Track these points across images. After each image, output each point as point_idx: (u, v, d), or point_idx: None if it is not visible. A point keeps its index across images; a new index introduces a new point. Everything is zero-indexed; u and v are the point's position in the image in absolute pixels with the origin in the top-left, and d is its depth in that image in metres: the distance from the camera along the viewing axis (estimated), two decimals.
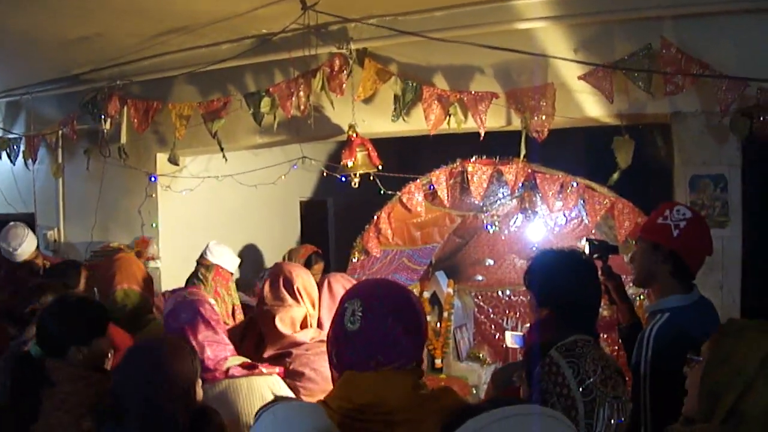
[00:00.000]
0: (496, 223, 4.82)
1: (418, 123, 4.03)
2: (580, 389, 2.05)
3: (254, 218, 5.99)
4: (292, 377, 2.94)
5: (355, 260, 4.63)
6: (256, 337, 3.14)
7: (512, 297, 5.30)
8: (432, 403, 1.87)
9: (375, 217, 4.50)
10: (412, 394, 1.88)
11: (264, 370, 2.81)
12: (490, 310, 5.39)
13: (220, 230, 5.50)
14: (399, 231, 4.58)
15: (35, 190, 5.89)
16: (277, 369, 2.84)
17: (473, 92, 3.83)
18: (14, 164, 5.82)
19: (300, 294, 3.04)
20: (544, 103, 3.63)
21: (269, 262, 5.81)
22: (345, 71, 4.11)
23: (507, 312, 5.53)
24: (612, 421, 2.03)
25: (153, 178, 5.08)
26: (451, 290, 5.57)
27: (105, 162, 5.26)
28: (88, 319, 2.77)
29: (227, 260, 4.06)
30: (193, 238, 5.22)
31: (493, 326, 5.62)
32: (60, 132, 5.45)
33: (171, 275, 5.10)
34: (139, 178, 5.15)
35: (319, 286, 3.26)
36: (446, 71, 4.00)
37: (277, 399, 1.88)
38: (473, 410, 1.30)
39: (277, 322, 3.00)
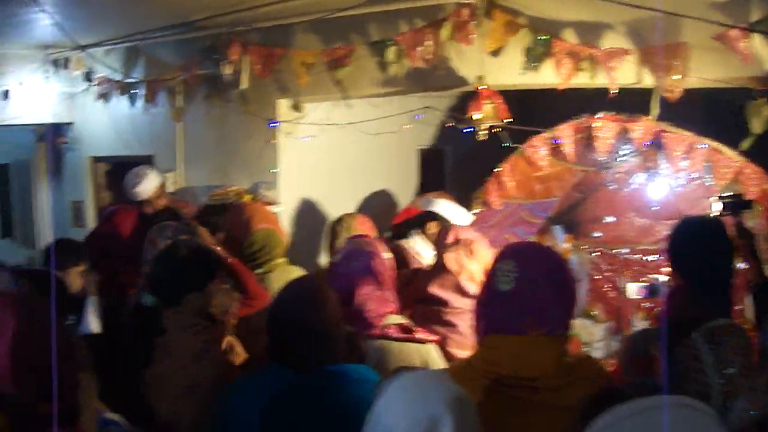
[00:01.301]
0: (618, 180, 5.15)
1: (547, 76, 4.43)
2: (719, 379, 2.06)
3: (374, 166, 6.60)
4: (445, 326, 3.45)
5: (475, 212, 5.16)
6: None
7: (629, 255, 5.55)
8: (575, 371, 2.07)
9: (497, 170, 4.99)
10: (558, 362, 2.06)
11: (420, 336, 3.10)
12: (606, 268, 5.66)
13: (339, 177, 6.15)
14: (520, 184, 5.06)
15: (154, 134, 6.64)
16: (434, 337, 3.19)
17: (605, 48, 4.21)
18: (134, 108, 6.58)
19: (475, 252, 3.57)
20: (677, 63, 3.98)
21: (389, 210, 6.36)
22: (473, 22, 4.53)
23: (622, 270, 5.80)
24: (747, 413, 2.04)
25: (274, 124, 5.70)
26: (568, 246, 5.98)
27: (225, 107, 5.93)
28: (199, 265, 3.10)
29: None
30: (313, 185, 5.87)
31: (607, 284, 5.95)
32: (180, 77, 6.12)
33: (290, 220, 5.81)
34: (259, 124, 5.79)
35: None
36: (576, 26, 4.37)
37: (401, 369, 2.08)
38: (615, 397, 1.44)
39: (448, 259, 3.52)
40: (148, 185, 5.29)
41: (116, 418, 2.46)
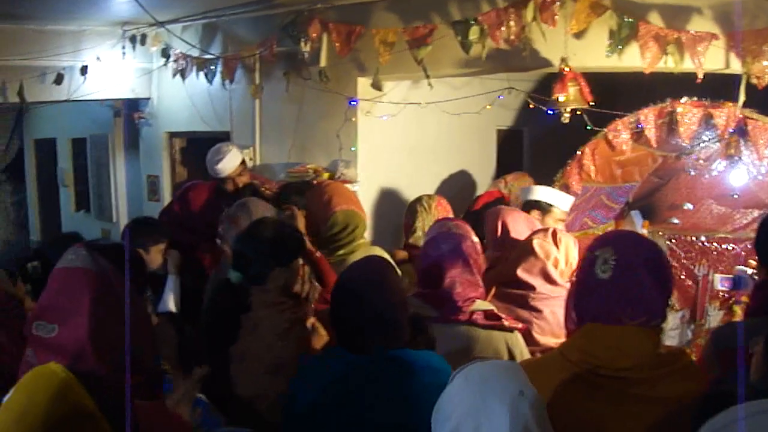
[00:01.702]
0: (698, 166, 5.23)
1: (632, 60, 4.52)
2: None
3: (453, 146, 6.81)
4: (530, 310, 3.60)
5: None
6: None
7: (706, 243, 5.58)
8: (669, 364, 2.10)
9: (578, 153, 5.13)
10: (653, 353, 2.10)
11: (506, 323, 3.18)
12: (683, 255, 5.69)
13: (418, 157, 6.37)
14: (601, 168, 5.19)
15: (231, 110, 6.92)
16: (520, 325, 3.28)
17: (692, 32, 4.29)
18: (211, 84, 6.85)
19: (559, 242, 3.74)
20: (766, 48, 4.05)
21: (466, 190, 6.55)
22: (557, 2, 4.63)
23: (699, 258, 5.84)
24: None
25: (353, 102, 5.91)
26: (645, 231, 6.05)
27: (304, 84, 6.16)
28: (285, 242, 3.27)
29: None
30: (391, 164, 6.07)
31: (683, 272, 6.01)
32: (258, 54, 6.37)
33: (368, 198, 6.01)
34: (339, 102, 6.00)
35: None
36: (662, 9, 4.44)
37: (475, 360, 2.02)
38: (727, 397, 1.47)
39: (536, 245, 3.68)
40: (230, 162, 5.41)
41: (202, 397, 2.69)
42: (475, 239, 3.39)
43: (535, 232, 3.88)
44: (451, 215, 4.58)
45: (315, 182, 5.41)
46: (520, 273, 3.70)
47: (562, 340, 3.59)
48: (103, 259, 2.17)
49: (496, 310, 3.27)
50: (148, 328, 2.36)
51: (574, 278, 2.39)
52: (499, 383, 1.74)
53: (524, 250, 3.77)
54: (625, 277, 2.12)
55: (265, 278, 3.18)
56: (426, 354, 2.59)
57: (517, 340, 3.24)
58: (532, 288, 3.67)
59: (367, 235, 5.65)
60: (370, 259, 2.81)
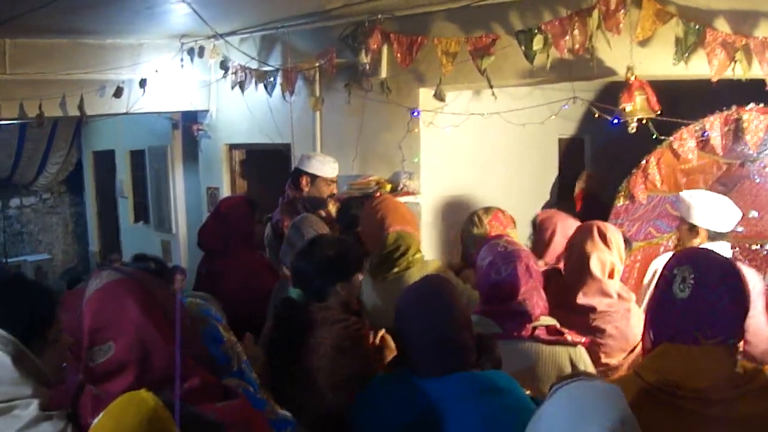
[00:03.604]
0: (763, 174, 5.19)
1: (699, 67, 4.52)
2: None
3: (515, 156, 6.88)
4: (593, 333, 3.60)
5: (619, 204, 5.36)
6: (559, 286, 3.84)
7: None
8: (747, 383, 2.12)
9: (644, 162, 5.16)
10: (731, 372, 2.13)
11: (569, 338, 3.23)
12: (747, 263, 5.66)
13: (481, 167, 6.47)
14: (666, 177, 5.21)
15: (292, 122, 7.07)
16: (583, 339, 3.33)
17: (760, 37, 4.27)
18: (270, 96, 7.02)
19: (610, 243, 3.75)
20: None
21: (528, 201, 6.60)
22: (622, 10, 4.66)
23: (764, 266, 5.79)
24: None
25: (415, 113, 6.01)
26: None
27: (364, 96, 6.30)
28: (344, 258, 3.36)
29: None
30: (454, 174, 6.16)
31: None
32: (317, 65, 6.51)
33: (431, 210, 6.12)
34: (400, 113, 6.11)
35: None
36: (728, 15, 4.42)
37: (577, 375, 2.17)
38: None
39: (592, 263, 3.69)
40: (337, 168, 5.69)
41: (290, 417, 2.80)
42: (528, 250, 3.51)
43: (581, 235, 3.88)
44: (510, 228, 4.61)
45: (376, 196, 5.52)
46: (579, 300, 3.73)
47: (630, 353, 3.67)
48: (133, 269, 2.31)
49: (558, 325, 3.32)
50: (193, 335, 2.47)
51: (647, 295, 2.43)
52: (599, 408, 1.78)
53: (579, 268, 3.78)
54: (704, 297, 2.15)
55: (327, 295, 3.29)
56: (493, 374, 2.63)
57: (581, 355, 3.29)
58: (593, 309, 3.70)
59: (429, 246, 5.76)
60: (430, 279, 2.88)
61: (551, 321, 3.33)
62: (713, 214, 4.49)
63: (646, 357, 2.34)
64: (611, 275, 3.76)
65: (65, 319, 2.48)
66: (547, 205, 7.22)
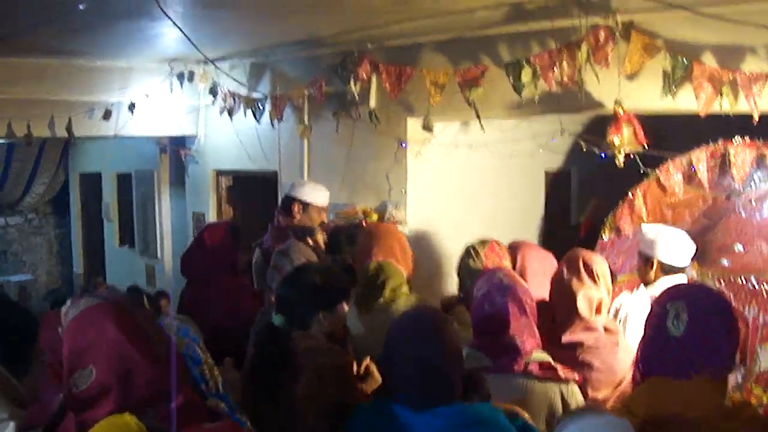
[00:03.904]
0: (749, 207, 5.18)
1: (687, 101, 4.53)
2: None
3: (501, 188, 6.86)
4: (581, 368, 3.56)
5: (605, 238, 5.36)
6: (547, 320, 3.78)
7: (756, 285, 5.55)
8: (735, 416, 2.16)
9: (630, 195, 5.17)
10: (720, 406, 2.17)
11: (562, 374, 3.24)
12: (732, 296, 5.67)
13: (467, 198, 6.46)
14: (652, 210, 5.22)
15: (280, 150, 7.07)
16: (576, 376, 3.34)
17: (747, 72, 4.28)
18: (259, 123, 7.05)
19: (599, 278, 3.72)
20: None
21: (514, 233, 6.60)
22: (610, 43, 4.66)
23: (749, 300, 5.81)
24: None
25: (403, 144, 6.02)
26: (694, 273, 6.03)
27: (352, 125, 6.30)
28: (330, 284, 3.36)
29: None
30: (441, 205, 6.16)
31: None
32: (306, 94, 6.51)
33: (417, 240, 6.07)
34: (388, 143, 6.12)
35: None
36: (715, 49, 4.45)
37: (583, 410, 2.28)
38: None
39: (579, 302, 3.66)
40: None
41: None
42: (526, 286, 3.49)
43: (568, 271, 3.83)
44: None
45: (363, 224, 5.52)
46: (566, 338, 3.70)
47: (618, 386, 3.65)
48: (111, 294, 2.30)
49: (552, 361, 3.31)
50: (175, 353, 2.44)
51: (641, 333, 2.41)
52: None
53: (568, 309, 3.73)
54: (699, 333, 2.18)
55: (309, 322, 3.27)
56: (477, 407, 2.60)
57: (574, 392, 3.29)
58: (580, 344, 3.68)
59: (417, 277, 5.73)
60: (424, 309, 2.92)
61: (545, 356, 3.32)
62: (670, 248, 4.58)
63: (636, 390, 2.35)
64: (598, 310, 3.74)
65: (46, 337, 2.47)
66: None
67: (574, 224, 7.67)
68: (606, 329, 3.73)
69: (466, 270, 4.51)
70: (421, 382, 2.58)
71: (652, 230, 4.67)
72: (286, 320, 3.29)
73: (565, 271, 3.84)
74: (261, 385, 3.19)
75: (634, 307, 4.33)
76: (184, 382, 2.40)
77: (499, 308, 3.30)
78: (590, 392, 3.61)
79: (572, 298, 3.71)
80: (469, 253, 4.56)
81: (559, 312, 3.77)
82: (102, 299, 2.31)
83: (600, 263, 3.84)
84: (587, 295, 3.71)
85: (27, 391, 2.42)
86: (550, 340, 3.63)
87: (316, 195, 5.59)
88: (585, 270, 3.76)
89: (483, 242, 4.58)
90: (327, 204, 5.69)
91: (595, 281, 3.74)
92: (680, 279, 4.53)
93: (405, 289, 4.36)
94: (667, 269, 4.58)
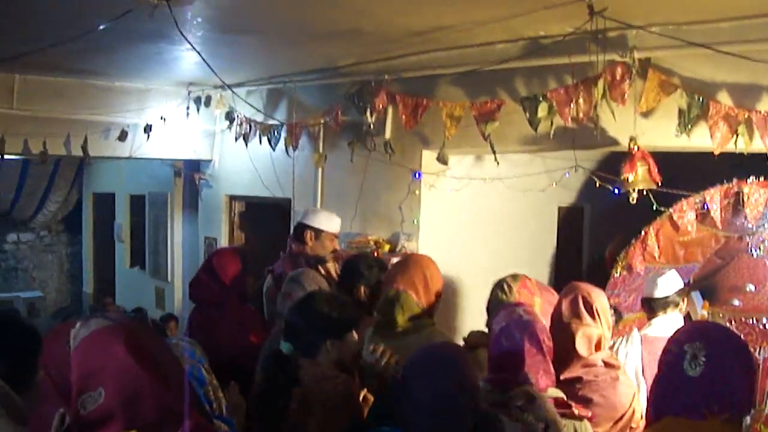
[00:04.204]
0: (761, 247, 5.21)
1: (701, 140, 4.54)
2: None
3: (514, 222, 6.88)
4: (581, 402, 3.47)
5: (617, 275, 5.35)
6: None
7: (767, 326, 5.56)
8: None
9: (642, 233, 5.16)
10: None
11: (576, 412, 3.20)
12: (743, 337, 5.61)
13: (479, 231, 6.46)
14: (664, 249, 5.21)
15: (294, 177, 7.11)
16: (590, 413, 3.30)
17: (762, 111, 4.30)
18: (274, 150, 7.08)
19: (598, 314, 3.65)
20: None
21: (525, 268, 6.58)
22: (627, 80, 4.68)
23: (760, 341, 5.77)
24: None
25: (417, 175, 6.04)
26: (705, 312, 5.99)
27: (368, 155, 6.32)
28: (338, 313, 3.33)
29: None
30: (453, 238, 6.16)
31: None
32: (322, 122, 6.54)
33: None
34: (402, 174, 6.15)
35: None
36: (731, 88, 4.47)
37: None
38: None
39: (578, 342, 3.58)
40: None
41: None
42: (544, 323, 3.45)
43: (567, 309, 3.72)
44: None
45: (376, 254, 5.51)
46: (564, 376, 3.61)
47: (618, 421, 3.62)
48: (120, 317, 2.30)
49: (565, 398, 3.28)
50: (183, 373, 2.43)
51: (655, 372, 2.38)
52: None
53: (567, 347, 3.62)
54: (717, 374, 2.14)
55: (317, 351, 3.26)
56: None
57: (587, 429, 3.26)
58: (579, 379, 3.61)
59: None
60: (448, 343, 3.01)
61: (559, 393, 3.29)
62: (650, 283, 4.67)
63: (648, 430, 2.32)
64: (598, 347, 3.68)
65: (49, 351, 2.48)
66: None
67: (598, 258, 7.61)
68: (606, 363, 3.67)
69: (498, 305, 4.48)
70: (433, 409, 2.56)
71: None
72: (294, 347, 3.29)
73: (564, 308, 3.78)
74: (268, 411, 3.18)
75: (630, 349, 4.40)
76: (192, 406, 2.37)
77: (516, 344, 3.25)
78: (590, 427, 3.57)
79: (571, 337, 3.64)
80: (502, 287, 4.48)
81: (558, 349, 3.72)
82: (112, 321, 2.30)
83: (599, 298, 3.77)
84: (586, 334, 3.63)
85: (28, 407, 2.42)
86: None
87: (329, 222, 5.57)
88: (585, 307, 3.69)
89: (515, 277, 4.50)
90: (339, 231, 5.67)
91: (594, 318, 3.68)
92: (675, 317, 4.58)
93: (427, 321, 4.28)
94: (654, 306, 4.62)
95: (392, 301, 4.21)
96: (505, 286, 4.36)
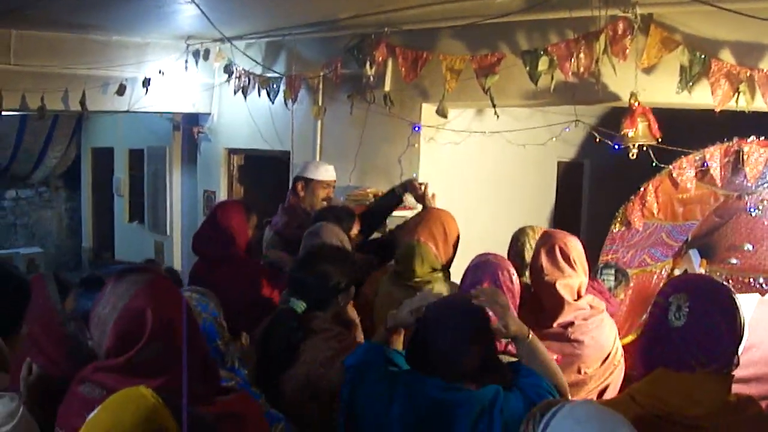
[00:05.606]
0: (760, 207, 5.21)
1: (703, 97, 4.56)
2: None
3: (514, 176, 6.91)
4: (571, 343, 3.63)
5: (615, 230, 5.35)
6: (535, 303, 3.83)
7: (765, 285, 5.53)
8: (739, 412, 2.14)
9: (641, 189, 5.17)
10: (724, 401, 2.14)
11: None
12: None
13: (478, 185, 6.47)
14: (663, 205, 5.20)
15: (293, 130, 7.11)
16: (556, 356, 3.33)
17: (765, 70, 4.31)
18: (273, 103, 7.06)
19: (575, 263, 3.70)
20: None
21: (523, 222, 6.62)
22: (629, 36, 4.67)
23: None
24: None
25: (417, 128, 6.04)
26: (703, 270, 6.03)
27: (367, 108, 6.32)
28: (346, 266, 3.41)
29: None
30: (453, 191, 6.15)
31: None
32: (321, 75, 6.53)
33: None
34: (402, 128, 6.15)
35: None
36: (733, 46, 4.46)
37: (572, 400, 2.21)
38: None
39: (561, 290, 3.66)
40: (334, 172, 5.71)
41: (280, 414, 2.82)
42: (512, 270, 3.60)
43: (545, 259, 3.77)
44: None
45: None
46: (558, 322, 3.70)
47: (604, 361, 3.68)
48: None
49: None
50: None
51: (641, 323, 2.43)
52: (614, 424, 1.84)
53: (550, 297, 3.72)
54: (700, 325, 2.16)
55: (327, 304, 3.33)
56: (489, 390, 2.63)
57: None
58: (570, 324, 3.68)
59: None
60: (466, 296, 3.01)
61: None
62: None
63: (642, 380, 2.33)
64: (579, 293, 3.74)
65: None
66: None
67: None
68: (591, 307, 3.75)
69: (519, 253, 4.57)
70: (446, 357, 2.67)
71: None
72: (303, 302, 3.31)
73: (543, 262, 3.80)
74: (270, 362, 3.24)
75: None
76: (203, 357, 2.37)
77: (478, 281, 3.42)
78: (582, 367, 3.64)
79: (552, 287, 3.70)
80: (526, 232, 4.62)
81: (545, 300, 3.77)
82: (157, 274, 2.27)
83: (575, 247, 3.80)
84: (568, 284, 3.71)
85: (12, 355, 2.47)
86: (543, 324, 3.68)
87: (319, 171, 5.54)
88: (562, 257, 3.74)
89: (533, 227, 4.61)
90: (332, 179, 5.62)
91: (573, 267, 3.72)
92: None
93: (440, 274, 4.37)
94: None
95: (412, 252, 4.32)
96: (527, 235, 4.47)
